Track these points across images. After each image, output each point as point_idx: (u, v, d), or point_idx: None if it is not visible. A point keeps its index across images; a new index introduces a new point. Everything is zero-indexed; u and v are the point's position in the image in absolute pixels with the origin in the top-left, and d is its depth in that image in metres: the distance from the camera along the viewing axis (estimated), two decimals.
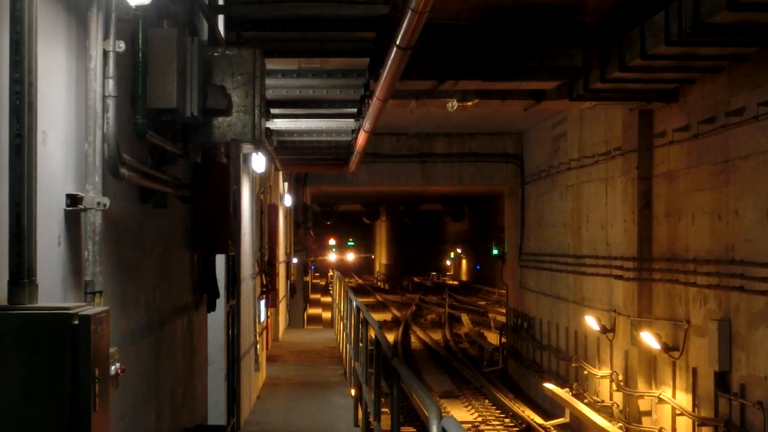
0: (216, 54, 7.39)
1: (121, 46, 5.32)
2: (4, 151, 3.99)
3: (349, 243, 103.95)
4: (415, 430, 20.22)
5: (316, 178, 30.20)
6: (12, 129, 3.96)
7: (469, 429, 20.99)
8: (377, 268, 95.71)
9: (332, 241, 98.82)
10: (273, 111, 13.75)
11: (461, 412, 22.94)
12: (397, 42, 9.52)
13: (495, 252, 33.23)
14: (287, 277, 29.46)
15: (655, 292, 17.00)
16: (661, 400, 16.55)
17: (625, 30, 13.77)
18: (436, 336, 38.25)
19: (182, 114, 6.56)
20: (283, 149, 18.13)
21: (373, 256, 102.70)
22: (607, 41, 14.37)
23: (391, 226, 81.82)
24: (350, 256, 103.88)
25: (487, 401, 24.22)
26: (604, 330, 18.88)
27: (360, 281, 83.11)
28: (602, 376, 19.14)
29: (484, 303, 48.36)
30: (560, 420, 20.40)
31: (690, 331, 15.48)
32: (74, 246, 4.97)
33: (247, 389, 14.88)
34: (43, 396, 3.94)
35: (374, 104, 12.63)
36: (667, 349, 16.11)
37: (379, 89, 11.66)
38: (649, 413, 17.11)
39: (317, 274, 68.47)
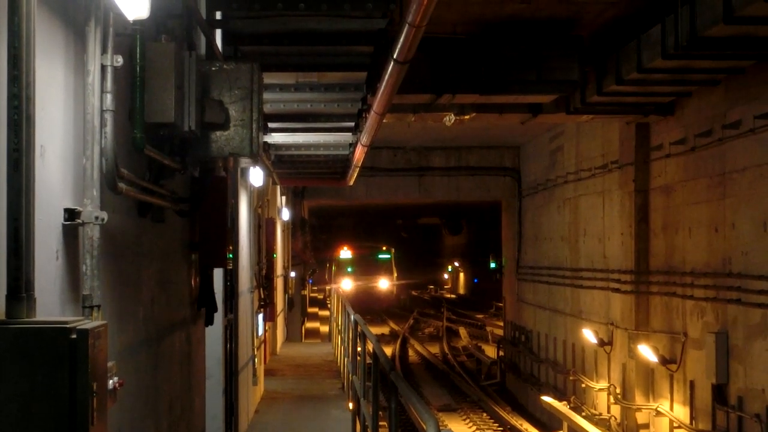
0: (214, 68, 7.40)
1: (119, 60, 5.33)
2: (2, 165, 4.00)
3: (380, 256, 62.70)
4: None
5: (313, 192, 30.23)
6: (10, 143, 3.97)
7: None
8: None
9: (346, 253, 63.16)
10: (271, 125, 13.78)
11: (459, 426, 22.92)
12: (395, 56, 9.54)
13: (492, 265, 33.27)
14: (285, 290, 29.44)
15: (652, 305, 17.00)
16: (658, 413, 16.54)
17: (621, 43, 13.80)
18: (434, 349, 38.23)
19: (180, 128, 6.57)
20: (280, 163, 18.16)
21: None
22: (603, 55, 14.40)
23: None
24: (384, 284, 61.14)
25: (485, 414, 24.20)
26: (602, 343, 18.88)
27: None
28: (600, 389, 19.13)
29: (481, 316, 48.37)
30: None
31: (687, 344, 15.49)
32: (72, 260, 4.97)
33: (245, 403, 14.86)
34: (41, 410, 3.94)
35: (372, 118, 12.65)
36: (664, 361, 16.11)
37: (377, 103, 11.68)
38: (647, 426, 17.10)
39: (315, 288, 68.01)
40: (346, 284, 57.80)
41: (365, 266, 61.34)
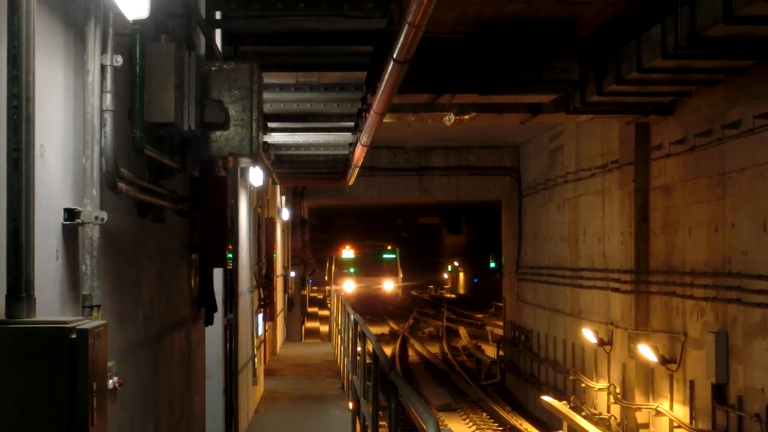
0: (213, 68, 7.40)
1: (119, 60, 5.33)
2: (1, 165, 4.00)
3: (384, 256, 58.08)
4: None
5: (313, 192, 30.23)
6: (10, 143, 3.97)
7: None
8: None
9: (348, 252, 58.73)
10: (270, 125, 13.77)
11: (459, 426, 22.92)
12: (394, 56, 9.54)
13: (492, 265, 33.24)
14: (285, 290, 29.45)
15: (652, 305, 17.00)
16: (658, 413, 16.54)
17: (621, 43, 13.80)
18: (434, 349, 38.23)
19: (180, 128, 6.57)
20: (280, 163, 18.16)
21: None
22: (603, 54, 14.41)
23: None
24: (388, 285, 56.88)
25: (484, 414, 24.19)
26: (602, 343, 18.88)
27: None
28: (600, 389, 19.13)
29: (481, 316, 48.36)
30: None
31: (687, 344, 15.49)
32: (72, 260, 4.97)
33: (245, 403, 14.86)
34: (41, 410, 3.94)
35: (371, 118, 12.65)
36: (664, 361, 16.11)
37: (377, 103, 11.68)
38: (646, 426, 17.10)
39: (315, 288, 67.84)
40: (348, 286, 54.65)
41: (368, 267, 57.56)
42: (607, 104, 15.69)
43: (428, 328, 47.57)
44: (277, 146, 16.23)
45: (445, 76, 14.09)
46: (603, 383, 19.02)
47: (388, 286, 57.32)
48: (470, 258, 65.19)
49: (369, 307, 52.44)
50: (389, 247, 59.40)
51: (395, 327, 47.53)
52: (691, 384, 15.33)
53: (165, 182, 7.04)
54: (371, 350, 10.28)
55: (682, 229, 15.72)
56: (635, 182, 17.26)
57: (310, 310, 51.62)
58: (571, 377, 21.10)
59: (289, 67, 10.76)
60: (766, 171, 12.98)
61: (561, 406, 20.09)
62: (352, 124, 13.95)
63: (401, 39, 9.00)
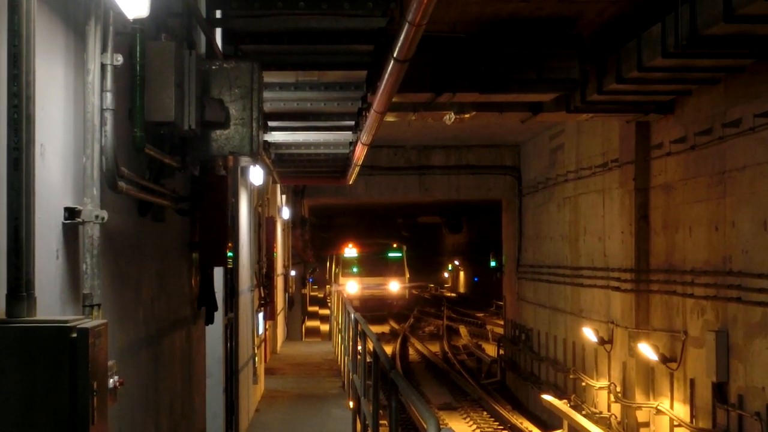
0: (214, 67, 7.40)
1: (119, 59, 5.33)
2: (2, 164, 4.00)
3: (390, 254, 54.90)
4: None
5: (314, 191, 30.21)
6: (10, 142, 3.97)
7: None
8: None
9: (351, 251, 55.55)
10: (271, 124, 13.77)
11: (460, 424, 22.92)
12: (395, 55, 9.54)
13: (493, 264, 33.21)
14: (285, 289, 29.46)
15: (652, 304, 17.00)
16: (659, 412, 16.54)
17: (621, 42, 13.80)
18: (434, 348, 38.23)
19: (180, 127, 6.57)
20: (280, 162, 18.15)
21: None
22: (603, 53, 14.40)
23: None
24: (394, 286, 53.33)
25: (485, 413, 24.20)
26: (602, 341, 18.88)
27: None
28: (600, 388, 19.13)
29: (482, 315, 48.33)
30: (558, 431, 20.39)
31: (687, 343, 15.49)
32: (72, 259, 4.97)
33: (246, 402, 14.86)
34: (42, 409, 3.94)
35: (372, 117, 12.64)
36: (664, 360, 16.11)
37: (377, 102, 11.67)
38: (647, 424, 17.10)
39: (315, 287, 67.83)
40: (351, 287, 52.08)
41: (373, 266, 53.91)
42: (608, 103, 15.68)
43: (429, 327, 47.56)
44: (278, 145, 16.23)
45: (446, 74, 14.08)
46: (603, 382, 19.02)
47: (394, 287, 53.84)
48: (471, 257, 65.18)
49: (373, 311, 50.39)
50: (395, 245, 55.97)
51: (396, 326, 47.51)
52: (692, 383, 15.34)
53: (165, 181, 7.04)
54: (372, 349, 10.28)
55: (683, 228, 15.72)
56: (635, 181, 17.26)
57: (311, 309, 51.62)
58: (571, 376, 21.11)
59: (289, 66, 10.76)
60: (767, 170, 12.98)
61: (561, 404, 20.09)
62: (352, 123, 13.95)
63: (401, 38, 9.00)
